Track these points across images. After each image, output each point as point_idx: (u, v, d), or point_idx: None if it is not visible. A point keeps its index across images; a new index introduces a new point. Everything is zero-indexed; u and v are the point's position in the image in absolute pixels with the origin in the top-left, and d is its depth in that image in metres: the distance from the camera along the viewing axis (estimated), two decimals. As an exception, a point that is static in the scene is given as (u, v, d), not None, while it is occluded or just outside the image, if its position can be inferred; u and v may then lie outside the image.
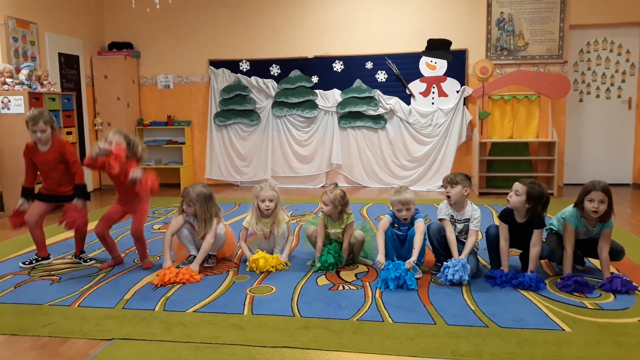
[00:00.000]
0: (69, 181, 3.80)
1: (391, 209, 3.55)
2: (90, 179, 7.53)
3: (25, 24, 6.33)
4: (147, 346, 2.53)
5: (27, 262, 3.87)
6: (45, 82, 6.08)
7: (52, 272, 3.71)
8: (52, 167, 3.74)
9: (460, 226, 3.51)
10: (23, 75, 5.79)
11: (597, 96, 7.31)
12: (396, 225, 3.54)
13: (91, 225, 3.94)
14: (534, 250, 3.29)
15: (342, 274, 3.55)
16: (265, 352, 2.46)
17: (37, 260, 3.91)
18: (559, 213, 3.41)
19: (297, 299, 3.09)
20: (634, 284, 3.13)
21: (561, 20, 6.98)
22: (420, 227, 3.42)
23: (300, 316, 2.84)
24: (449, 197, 3.48)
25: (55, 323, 2.82)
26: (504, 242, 3.37)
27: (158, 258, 4.01)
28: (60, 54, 6.99)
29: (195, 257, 3.84)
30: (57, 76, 6.90)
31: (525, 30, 7.07)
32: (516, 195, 3.27)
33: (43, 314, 2.94)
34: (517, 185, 3.29)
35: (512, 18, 7.09)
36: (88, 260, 3.91)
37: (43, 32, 6.65)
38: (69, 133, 6.25)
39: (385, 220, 3.53)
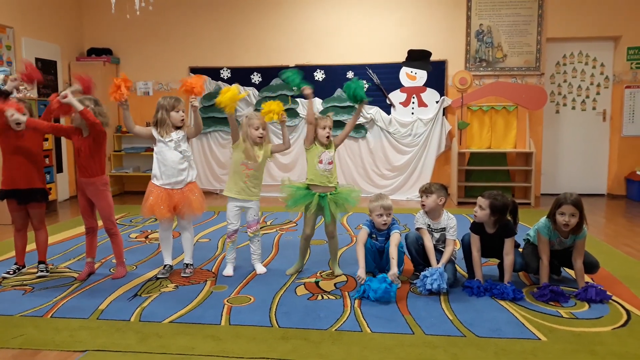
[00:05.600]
0: (34, 172, 3.73)
1: (370, 216, 3.55)
2: (66, 185, 7.41)
3: (1, 29, 6.23)
4: (122, 357, 2.49)
5: (10, 272, 3.78)
6: (21, 87, 5.97)
7: (24, 282, 3.63)
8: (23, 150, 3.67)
9: (437, 235, 3.54)
10: (-2, 80, 5.67)
11: (573, 108, 7.46)
12: (374, 236, 3.54)
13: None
14: (508, 259, 3.33)
15: (321, 283, 3.54)
16: (243, 363, 2.43)
17: (18, 269, 3.83)
18: (535, 224, 3.46)
19: (276, 309, 3.06)
20: (608, 293, 3.18)
21: (538, 33, 7.11)
22: (395, 238, 3.43)
23: (279, 326, 2.82)
24: (423, 205, 3.51)
25: (27, 334, 2.75)
26: (476, 253, 3.41)
27: (135, 267, 3.95)
28: (37, 59, 6.88)
29: (171, 266, 3.80)
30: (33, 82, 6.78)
31: (504, 42, 7.19)
32: (481, 210, 3.31)
33: (14, 325, 2.87)
34: (480, 200, 3.33)
35: (491, 30, 7.20)
36: (43, 271, 3.77)
37: (20, 37, 6.55)
38: (45, 139, 6.13)
39: (364, 232, 3.53)
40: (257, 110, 7.46)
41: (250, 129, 3.64)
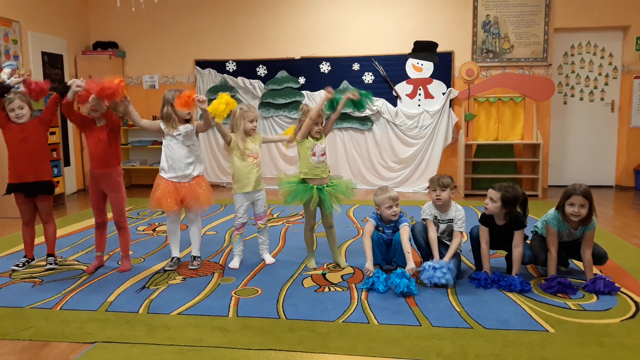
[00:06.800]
0: (41, 165, 3.74)
1: (377, 210, 3.54)
2: (73, 179, 7.45)
3: (7, 23, 6.24)
4: (131, 349, 2.50)
5: (20, 265, 3.80)
6: (27, 82, 5.98)
7: (33, 275, 3.65)
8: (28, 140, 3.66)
9: (443, 226, 3.52)
10: (5, 74, 5.64)
11: (581, 99, 7.40)
12: (380, 229, 3.54)
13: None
14: (516, 251, 3.32)
15: (328, 275, 3.55)
16: (251, 354, 2.44)
17: (28, 262, 3.85)
18: (544, 216, 3.44)
19: (283, 301, 3.07)
20: (616, 285, 3.16)
21: (546, 24, 7.05)
22: (406, 231, 3.43)
23: (286, 318, 2.83)
24: (439, 199, 3.46)
25: (37, 326, 2.77)
26: (484, 245, 3.39)
27: (142, 260, 3.97)
28: (44, 53, 6.90)
29: (178, 259, 3.82)
30: (40, 75, 6.81)
31: (511, 33, 7.13)
32: (492, 202, 3.29)
33: (24, 317, 2.89)
34: (491, 192, 3.31)
35: (498, 21, 7.14)
36: (52, 263, 3.80)
37: (26, 31, 6.56)
38: (52, 133, 6.16)
39: (370, 224, 3.52)
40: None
41: (245, 122, 3.66)
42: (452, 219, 3.51)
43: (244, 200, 3.75)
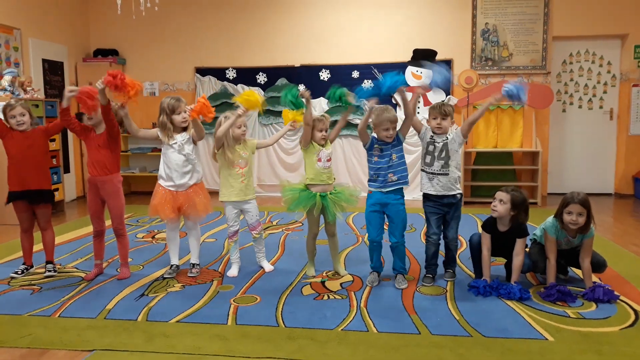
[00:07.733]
0: (43, 173, 3.74)
1: (374, 130, 3.51)
2: (73, 185, 7.45)
3: (8, 30, 6.27)
4: (129, 357, 2.50)
5: (19, 272, 3.79)
6: (28, 88, 6.01)
7: (32, 282, 3.65)
8: (29, 150, 3.66)
9: (439, 145, 3.43)
10: (6, 81, 5.71)
11: (580, 107, 7.42)
12: (377, 146, 3.59)
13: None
14: (517, 259, 3.31)
15: (327, 283, 3.55)
16: (249, 362, 2.44)
17: (27, 269, 3.85)
18: (542, 224, 3.44)
19: (282, 309, 3.07)
20: (615, 293, 3.16)
21: (544, 32, 7.08)
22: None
23: (285, 326, 2.83)
24: (439, 127, 3.40)
25: (35, 334, 2.77)
26: (486, 252, 3.39)
27: (141, 267, 3.97)
28: (44, 60, 6.93)
29: (177, 266, 3.81)
30: (40, 82, 6.83)
31: (510, 41, 7.17)
32: (501, 204, 3.29)
33: (22, 325, 2.89)
34: (500, 195, 3.32)
35: (497, 29, 7.18)
36: (51, 271, 3.79)
37: (27, 38, 6.59)
38: (52, 140, 6.16)
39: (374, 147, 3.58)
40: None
41: (233, 128, 3.63)
42: (447, 138, 3.44)
43: (231, 208, 3.75)
